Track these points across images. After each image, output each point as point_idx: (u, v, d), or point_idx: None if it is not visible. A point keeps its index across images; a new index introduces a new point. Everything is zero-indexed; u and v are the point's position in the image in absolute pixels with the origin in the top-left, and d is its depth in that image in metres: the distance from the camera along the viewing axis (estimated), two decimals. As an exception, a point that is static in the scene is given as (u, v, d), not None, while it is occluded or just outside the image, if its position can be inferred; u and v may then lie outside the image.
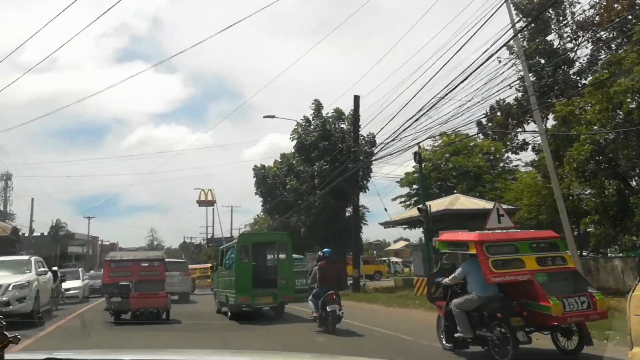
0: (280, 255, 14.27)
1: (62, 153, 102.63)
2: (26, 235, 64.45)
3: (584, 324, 6.16)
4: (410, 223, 21.91)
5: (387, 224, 22.87)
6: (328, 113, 24.46)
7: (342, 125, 24.54)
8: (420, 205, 17.16)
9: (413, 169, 24.68)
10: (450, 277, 6.94)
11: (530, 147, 21.99)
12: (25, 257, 14.02)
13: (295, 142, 24.31)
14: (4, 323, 1.53)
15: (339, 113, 24.28)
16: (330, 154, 22.54)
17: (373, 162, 21.70)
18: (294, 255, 14.87)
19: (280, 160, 29.43)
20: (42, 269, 13.26)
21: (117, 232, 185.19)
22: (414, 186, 25.72)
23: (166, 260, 16.77)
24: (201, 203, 49.13)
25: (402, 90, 21.03)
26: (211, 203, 48.91)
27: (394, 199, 27.46)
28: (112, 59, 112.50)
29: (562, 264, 6.82)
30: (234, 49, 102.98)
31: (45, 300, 13.17)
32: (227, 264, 14.78)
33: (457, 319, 6.62)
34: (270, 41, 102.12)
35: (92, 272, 31.21)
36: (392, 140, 17.17)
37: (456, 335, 6.72)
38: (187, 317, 14.27)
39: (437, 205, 17.69)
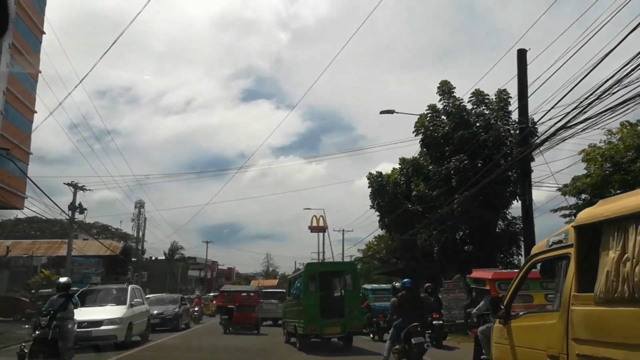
0: (347, 285, 14.17)
1: (192, 184, 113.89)
2: (152, 258, 67.85)
3: None
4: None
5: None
6: (462, 98, 18.66)
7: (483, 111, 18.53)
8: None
9: (585, 172, 17.95)
10: (476, 308, 9.33)
11: None
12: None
13: (420, 136, 18.81)
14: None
15: (479, 95, 18.33)
16: (472, 147, 16.80)
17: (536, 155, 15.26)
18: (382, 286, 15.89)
19: (400, 165, 24.23)
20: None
21: (236, 258, 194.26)
22: (583, 196, 18.69)
23: (267, 289, 27.10)
24: (313, 229, 49.76)
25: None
26: (322, 229, 49.42)
27: (554, 211, 20.49)
28: (238, 99, 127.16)
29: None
30: (346, 82, 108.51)
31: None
32: (294, 293, 14.98)
33: (482, 344, 8.20)
34: (381, 74, 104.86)
35: (163, 295, 25.21)
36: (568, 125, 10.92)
37: (482, 357, 8.26)
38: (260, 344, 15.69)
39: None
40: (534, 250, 5.13)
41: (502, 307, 5.12)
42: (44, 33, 34.39)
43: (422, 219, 20.27)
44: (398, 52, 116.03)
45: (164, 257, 65.70)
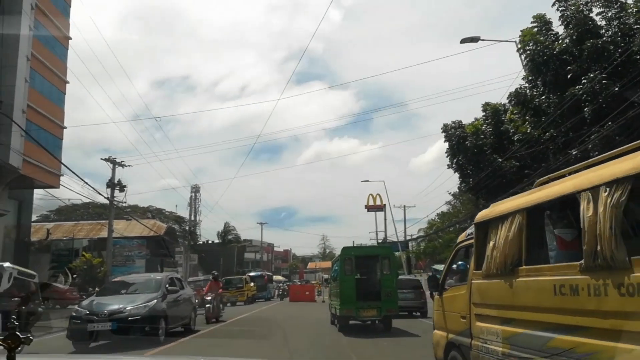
0: (383, 269, 14.17)
1: (246, 169, 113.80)
2: (208, 242, 66.53)
3: None
4: None
5: None
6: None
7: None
8: None
9: None
10: None
11: None
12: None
13: (525, 57, 13.55)
14: (16, 324, 1.58)
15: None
16: (609, 63, 11.51)
17: None
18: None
19: (483, 113, 19.14)
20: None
21: (292, 240, 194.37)
22: None
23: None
24: (370, 208, 47.51)
25: None
26: (380, 207, 46.81)
27: None
28: (292, 82, 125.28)
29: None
30: (398, 59, 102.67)
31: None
32: (333, 276, 16.63)
33: None
34: (435, 48, 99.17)
35: (134, 275, 17.20)
36: None
37: None
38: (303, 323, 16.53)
39: None
40: (459, 239, 6.53)
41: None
42: (73, -3, 31.91)
43: (520, 179, 15.33)
44: (449, 24, 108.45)
45: (219, 241, 64.13)
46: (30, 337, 1.53)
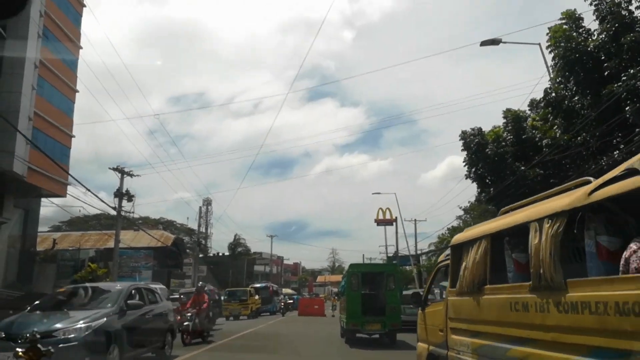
0: (388, 286, 14.85)
1: (258, 183, 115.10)
2: (218, 254, 65.84)
3: None
4: None
5: None
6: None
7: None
8: None
9: None
10: None
11: None
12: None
13: (553, 56, 12.56)
14: (38, 336, 1.70)
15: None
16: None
17: None
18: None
19: (504, 120, 18.14)
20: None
21: (302, 253, 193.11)
22: None
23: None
24: (379, 222, 47.49)
25: None
26: (390, 222, 46.90)
27: None
28: (304, 99, 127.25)
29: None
30: (408, 76, 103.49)
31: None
32: (341, 291, 18.59)
33: None
34: (443, 66, 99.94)
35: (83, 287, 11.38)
36: None
37: None
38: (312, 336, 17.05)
39: None
40: (439, 259, 7.18)
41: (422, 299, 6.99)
42: (85, 6, 31.78)
43: (544, 189, 14.20)
44: (461, 44, 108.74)
45: (229, 253, 63.38)
46: (52, 350, 1.56)
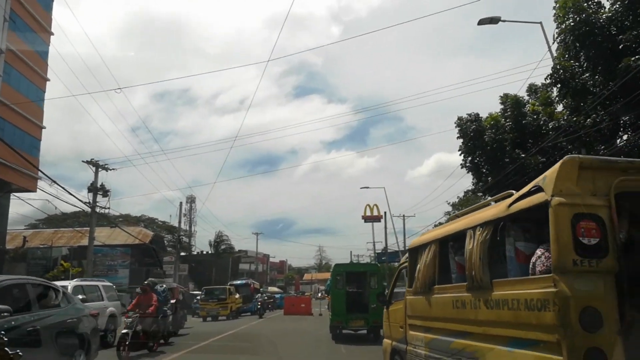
0: (371, 284, 15.59)
1: (243, 181, 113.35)
2: (202, 252, 64.21)
3: None
4: None
5: None
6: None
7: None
8: None
9: None
10: None
11: None
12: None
13: (559, 32, 11.49)
14: (6, 339, 1.67)
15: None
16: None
17: None
18: None
19: (501, 106, 17.17)
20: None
21: (288, 250, 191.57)
22: None
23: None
24: (367, 219, 46.41)
25: None
26: (377, 218, 45.87)
27: None
28: (290, 95, 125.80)
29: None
30: (395, 73, 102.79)
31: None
32: (326, 290, 20.26)
33: None
34: (428, 62, 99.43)
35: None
36: None
37: None
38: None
39: None
40: (401, 261, 7.68)
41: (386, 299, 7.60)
42: (56, -10, 30.07)
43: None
44: (448, 39, 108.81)
45: (212, 251, 61.83)
46: (20, 353, 1.63)
